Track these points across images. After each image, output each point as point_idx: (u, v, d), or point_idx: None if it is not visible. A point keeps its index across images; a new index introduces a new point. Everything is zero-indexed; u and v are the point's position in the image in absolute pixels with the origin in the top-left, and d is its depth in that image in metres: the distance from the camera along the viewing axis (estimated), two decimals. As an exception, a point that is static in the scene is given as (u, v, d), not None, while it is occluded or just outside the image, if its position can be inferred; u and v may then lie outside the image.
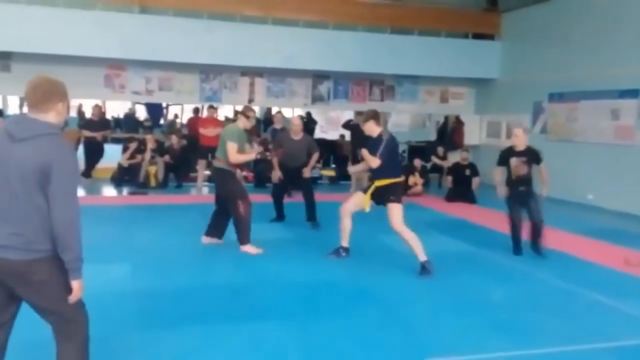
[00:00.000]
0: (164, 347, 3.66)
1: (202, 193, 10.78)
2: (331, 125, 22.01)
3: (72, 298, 2.51)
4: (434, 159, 12.49)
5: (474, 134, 13.43)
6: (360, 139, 11.10)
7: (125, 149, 11.40)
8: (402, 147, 15.05)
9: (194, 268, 5.53)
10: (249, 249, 6.10)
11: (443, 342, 3.92)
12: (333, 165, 13.68)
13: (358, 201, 5.82)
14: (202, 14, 11.06)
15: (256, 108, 12.25)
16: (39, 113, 2.48)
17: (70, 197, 2.44)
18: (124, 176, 11.11)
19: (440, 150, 12.66)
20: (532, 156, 6.51)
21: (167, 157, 11.19)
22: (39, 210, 2.40)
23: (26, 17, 9.91)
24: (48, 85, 2.55)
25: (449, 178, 10.77)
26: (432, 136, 15.79)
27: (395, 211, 5.51)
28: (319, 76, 12.49)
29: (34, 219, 2.40)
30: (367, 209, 5.72)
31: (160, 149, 11.31)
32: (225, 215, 6.28)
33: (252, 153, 6.65)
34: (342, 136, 14.17)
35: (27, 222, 2.40)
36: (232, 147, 5.97)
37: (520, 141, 6.51)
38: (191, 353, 3.60)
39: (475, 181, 10.48)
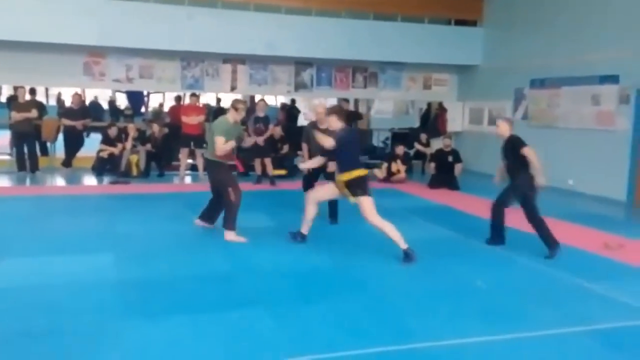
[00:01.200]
0: (148, 337, 3.64)
1: (184, 182, 10.71)
2: (314, 112, 21.99)
3: None
4: (417, 146, 12.54)
5: (456, 120, 13.48)
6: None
7: (105, 136, 11.23)
8: (385, 134, 15.14)
9: (177, 257, 5.50)
10: (233, 237, 6.10)
11: (428, 327, 3.95)
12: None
13: (327, 192, 6.02)
14: (183, 1, 10.91)
15: (238, 96, 12.16)
16: None
17: None
18: (105, 165, 10.98)
19: (423, 137, 12.72)
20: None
21: (148, 146, 11.08)
22: None
23: (3, 4, 9.68)
24: None
25: (432, 165, 10.82)
26: (415, 123, 15.84)
27: (367, 204, 5.57)
28: (302, 63, 12.42)
29: None
30: (352, 201, 5.74)
31: (141, 138, 11.19)
32: (220, 203, 6.36)
33: (232, 142, 6.56)
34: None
35: None
36: (219, 140, 6.03)
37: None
38: (176, 342, 3.58)
39: (458, 167, 10.55)
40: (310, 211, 5.98)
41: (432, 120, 14.17)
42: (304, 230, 6.07)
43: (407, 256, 5.48)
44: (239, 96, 17.87)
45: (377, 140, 15.15)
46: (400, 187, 10.46)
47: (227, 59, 11.91)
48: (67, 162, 11.37)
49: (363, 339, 3.71)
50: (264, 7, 11.37)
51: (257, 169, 10.43)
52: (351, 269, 5.32)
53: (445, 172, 10.48)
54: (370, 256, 5.73)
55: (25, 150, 10.64)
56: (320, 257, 5.65)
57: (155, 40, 10.64)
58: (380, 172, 11.12)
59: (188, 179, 10.85)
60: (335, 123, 5.84)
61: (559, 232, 6.89)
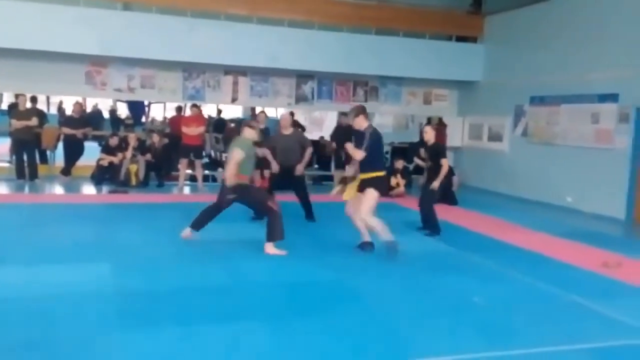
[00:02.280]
0: (143, 348, 3.61)
1: (183, 192, 10.70)
2: (314, 125, 21.99)
3: None
4: (417, 160, 12.49)
5: (456, 135, 13.52)
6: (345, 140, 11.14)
7: (106, 146, 11.24)
8: (385, 148, 15.11)
9: (174, 268, 5.47)
10: (273, 250, 6.08)
11: (425, 342, 3.93)
12: (316, 166, 13.66)
13: (353, 201, 6.09)
14: (185, 12, 10.98)
15: (239, 107, 12.19)
16: None
17: None
18: (105, 174, 10.98)
19: (422, 151, 12.70)
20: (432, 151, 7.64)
21: (148, 156, 11.08)
22: None
23: (7, 12, 9.73)
24: None
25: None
26: (415, 137, 15.84)
27: (370, 197, 5.74)
28: (303, 76, 12.47)
29: None
30: (346, 198, 5.83)
31: (141, 147, 11.19)
32: (216, 212, 6.33)
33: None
34: (322, 137, 14.17)
35: None
36: (231, 167, 6.06)
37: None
38: (171, 354, 3.56)
39: (455, 180, 10.54)
40: (378, 223, 5.97)
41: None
42: (388, 237, 6.00)
43: (391, 249, 5.83)
44: (239, 108, 17.89)
45: (376, 154, 15.14)
46: (399, 201, 10.45)
47: (229, 70, 11.96)
48: (67, 171, 11.36)
49: (360, 355, 3.69)
50: (266, 20, 11.44)
51: (256, 181, 10.44)
52: (347, 281, 5.30)
53: (442, 187, 10.43)
54: (367, 269, 5.71)
55: (25, 158, 10.64)
56: (317, 269, 5.62)
57: (157, 51, 10.69)
58: (379, 186, 11.10)
59: (187, 190, 10.84)
60: (363, 123, 5.95)
61: (556, 250, 6.90)
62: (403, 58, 12.10)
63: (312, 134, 17.34)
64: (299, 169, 7.60)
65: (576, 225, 8.82)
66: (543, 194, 10.71)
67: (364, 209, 5.70)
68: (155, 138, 11.47)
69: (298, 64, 11.65)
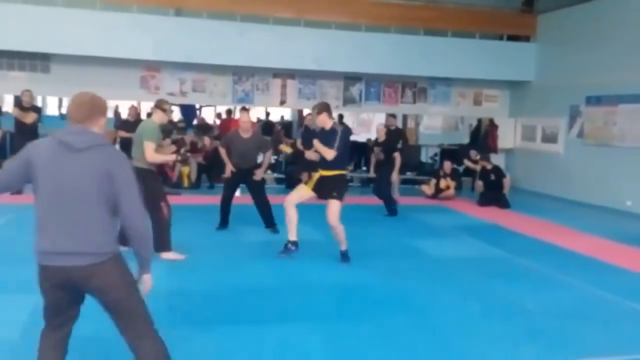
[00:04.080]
0: (193, 346, 3.69)
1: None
2: (362, 127, 21.96)
3: (146, 288, 2.71)
4: (467, 163, 12.34)
5: (508, 137, 13.22)
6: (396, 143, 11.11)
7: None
8: (433, 150, 14.98)
9: (224, 268, 5.58)
10: (170, 255, 5.74)
11: (474, 349, 3.86)
12: (364, 168, 13.62)
13: (302, 193, 5.99)
14: (235, 16, 11.16)
15: (287, 110, 12.30)
16: (84, 128, 2.60)
17: (138, 200, 2.60)
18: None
19: (472, 153, 12.49)
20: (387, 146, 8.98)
21: (200, 158, 11.33)
22: (100, 215, 2.51)
23: (65, 20, 10.15)
24: (91, 102, 2.66)
25: (479, 183, 10.62)
26: (465, 139, 15.61)
27: (335, 208, 5.69)
28: (351, 78, 12.47)
29: (97, 223, 2.51)
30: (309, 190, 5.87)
31: (193, 150, 11.44)
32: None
33: (172, 156, 6.43)
34: (370, 139, 14.11)
35: (89, 227, 2.50)
36: (148, 146, 5.57)
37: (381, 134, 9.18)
38: (220, 353, 3.63)
39: (506, 183, 10.30)
40: (292, 215, 5.88)
41: (483, 136, 13.93)
42: (292, 236, 5.95)
43: (345, 257, 5.85)
44: (288, 110, 18.07)
45: (425, 156, 15.00)
46: (448, 204, 10.31)
47: (277, 73, 12.08)
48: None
49: (406, 359, 3.66)
50: (314, 23, 11.50)
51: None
52: (394, 285, 5.26)
53: (493, 189, 10.26)
54: (414, 273, 5.67)
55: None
56: (363, 272, 5.61)
57: (208, 55, 10.91)
58: (428, 189, 11.00)
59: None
60: (326, 121, 5.79)
61: (614, 255, 6.66)
62: (452, 58, 11.93)
63: (360, 136, 17.37)
64: (258, 175, 7.21)
65: (636, 230, 8.47)
66: (600, 197, 10.33)
67: (332, 217, 5.64)
68: (207, 140, 11.71)
69: (346, 66, 11.66)
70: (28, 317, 4.03)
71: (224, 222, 7.34)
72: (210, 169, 11.52)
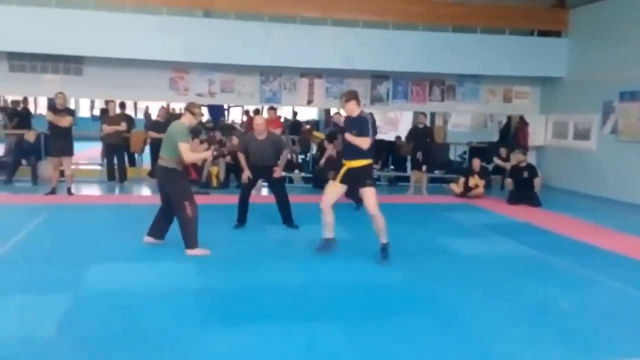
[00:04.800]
0: (222, 344, 3.74)
1: (261, 193, 10.93)
2: (390, 125, 21.86)
3: None
4: (496, 160, 12.17)
5: (539, 134, 13.00)
6: (421, 141, 10.99)
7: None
8: (462, 148, 14.82)
9: (251, 267, 5.61)
10: (197, 252, 5.90)
11: (504, 350, 3.81)
12: (392, 167, 13.56)
13: (335, 190, 5.92)
14: (262, 17, 11.23)
15: (314, 109, 12.32)
16: None
17: None
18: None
19: (503, 151, 12.32)
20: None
21: (228, 158, 11.43)
22: None
23: (97, 23, 10.35)
24: None
25: (509, 181, 10.45)
26: (494, 137, 15.39)
27: (371, 196, 5.63)
28: (378, 76, 12.43)
29: None
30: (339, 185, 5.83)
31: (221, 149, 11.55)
32: (170, 216, 6.12)
33: (208, 152, 6.52)
34: (399, 137, 14.04)
35: None
36: (184, 147, 5.74)
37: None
38: (249, 350, 3.65)
39: (537, 182, 10.12)
40: (329, 219, 5.96)
41: (513, 134, 13.72)
42: (330, 235, 6.03)
43: (384, 250, 5.73)
44: (315, 109, 18.11)
45: (454, 154, 14.85)
46: (478, 202, 10.19)
47: (304, 72, 12.11)
48: (153, 173, 11.90)
49: (434, 359, 3.63)
50: (341, 22, 11.49)
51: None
52: (422, 284, 5.22)
53: (524, 187, 10.10)
54: (442, 271, 5.62)
55: (115, 161, 11.27)
56: (390, 271, 5.58)
57: (236, 56, 11.00)
58: (457, 187, 10.88)
59: (264, 191, 11.06)
60: (355, 108, 5.75)
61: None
62: (481, 55, 11.79)
63: (387, 134, 17.31)
64: (277, 172, 7.31)
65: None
66: (635, 195, 10.09)
67: (371, 206, 5.59)
68: (235, 140, 11.79)
69: (373, 65, 11.63)
70: (62, 316, 4.13)
71: (241, 220, 7.46)
72: (237, 168, 11.60)
